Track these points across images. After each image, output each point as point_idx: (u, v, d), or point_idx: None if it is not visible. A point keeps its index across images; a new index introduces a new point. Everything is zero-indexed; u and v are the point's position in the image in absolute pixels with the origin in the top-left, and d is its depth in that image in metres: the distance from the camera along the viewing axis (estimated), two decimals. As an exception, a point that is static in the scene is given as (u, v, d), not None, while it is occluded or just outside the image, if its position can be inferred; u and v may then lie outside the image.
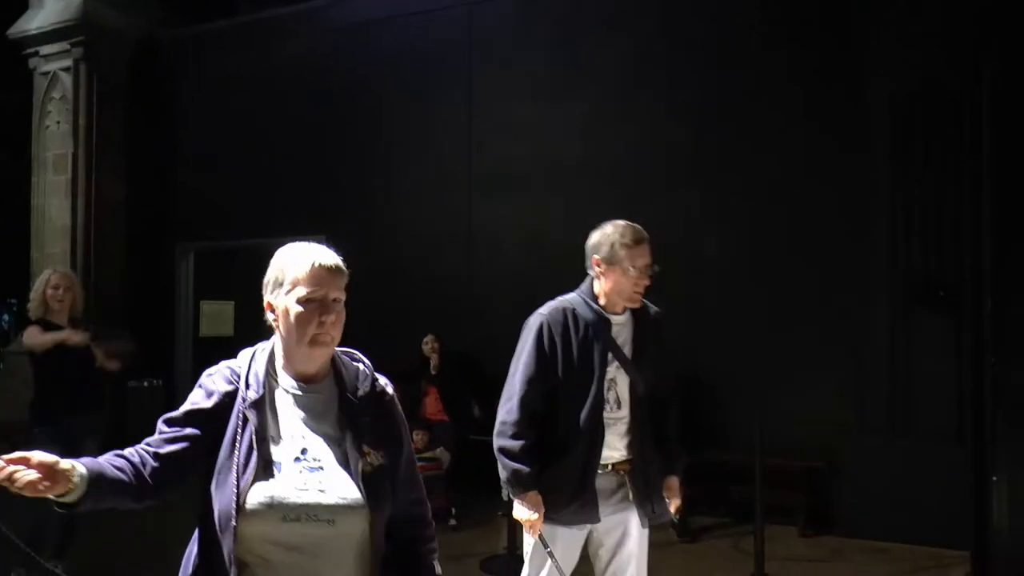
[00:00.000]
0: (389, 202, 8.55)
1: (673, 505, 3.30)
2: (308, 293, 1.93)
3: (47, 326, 5.14)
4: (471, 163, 8.14)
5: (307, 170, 8.93)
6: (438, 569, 2.07)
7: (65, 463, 1.71)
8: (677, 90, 7.31)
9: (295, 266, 1.95)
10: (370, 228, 8.61)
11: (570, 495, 3.10)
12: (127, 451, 1.88)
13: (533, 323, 3.18)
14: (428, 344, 7.70)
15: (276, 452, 1.90)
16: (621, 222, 3.21)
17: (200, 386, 1.98)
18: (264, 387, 1.95)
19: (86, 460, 1.79)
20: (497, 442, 3.13)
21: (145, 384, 7.94)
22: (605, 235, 3.18)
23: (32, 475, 1.66)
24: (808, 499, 6.50)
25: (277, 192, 9.02)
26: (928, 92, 6.29)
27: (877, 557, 5.92)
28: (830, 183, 6.70)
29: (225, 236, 9.16)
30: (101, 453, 1.87)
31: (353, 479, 1.90)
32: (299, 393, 1.98)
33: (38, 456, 1.69)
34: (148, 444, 1.91)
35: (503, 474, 3.13)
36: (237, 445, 1.88)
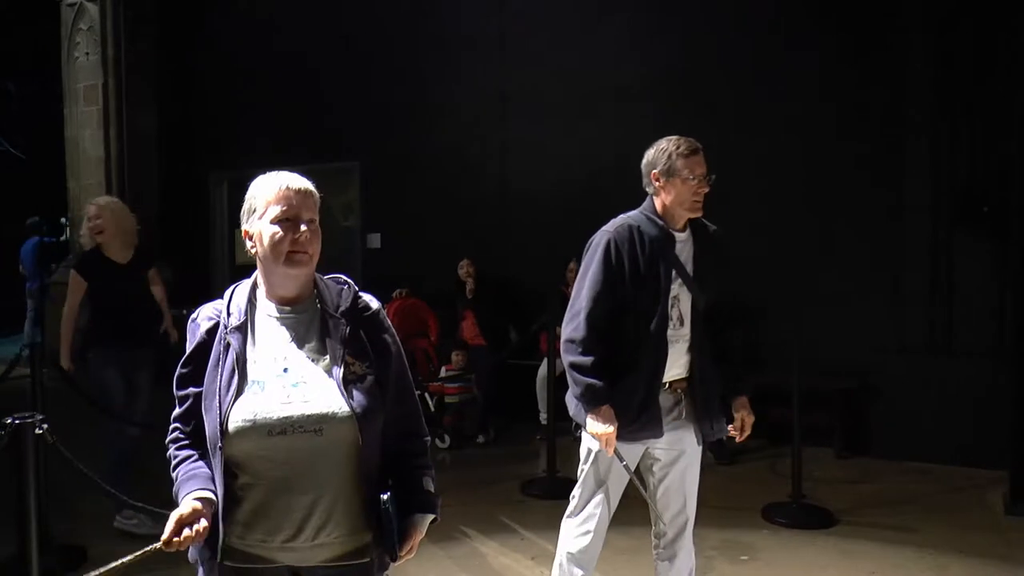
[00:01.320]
0: (423, 128, 8.47)
1: (748, 422, 3.29)
2: (280, 213, 1.97)
3: (98, 256, 5.22)
4: (505, 87, 8.02)
5: (341, 96, 8.86)
6: (428, 485, 2.08)
7: (202, 500, 1.88)
8: (711, 11, 7.11)
9: (266, 191, 2.00)
10: (405, 154, 8.56)
11: (636, 411, 3.12)
12: (181, 445, 2.01)
13: (600, 240, 3.17)
14: (464, 269, 7.71)
15: (258, 371, 1.96)
16: (674, 136, 3.21)
17: (187, 333, 2.06)
18: (245, 314, 2.02)
19: (198, 487, 1.91)
20: (567, 358, 3.14)
21: (184, 312, 8.02)
22: (660, 149, 3.18)
23: (201, 526, 1.85)
24: (844, 421, 6.49)
25: (311, 118, 8.98)
26: (971, 4, 6.07)
27: (914, 478, 5.92)
28: (870, 100, 6.52)
29: (259, 164, 9.09)
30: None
31: (337, 388, 1.95)
32: (281, 315, 2.03)
33: (200, 509, 1.87)
34: (178, 424, 2.03)
35: (576, 390, 3.13)
36: (220, 369, 1.96)
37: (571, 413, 3.26)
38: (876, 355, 6.40)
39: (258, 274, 2.07)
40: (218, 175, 9.96)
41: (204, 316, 2.05)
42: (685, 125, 6.80)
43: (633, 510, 3.36)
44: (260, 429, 1.90)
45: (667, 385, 3.18)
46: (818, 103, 6.67)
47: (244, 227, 2.04)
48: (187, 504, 1.86)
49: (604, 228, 3.21)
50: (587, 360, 3.10)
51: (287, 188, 1.99)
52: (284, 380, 1.95)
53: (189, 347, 2.03)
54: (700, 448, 3.29)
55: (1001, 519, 5.14)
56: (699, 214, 3.22)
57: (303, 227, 1.97)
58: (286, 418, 1.91)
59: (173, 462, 1.99)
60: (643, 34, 7.37)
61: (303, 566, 1.99)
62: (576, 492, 3.31)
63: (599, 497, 3.24)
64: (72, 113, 9.84)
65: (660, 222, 3.18)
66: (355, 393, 1.95)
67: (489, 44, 8.11)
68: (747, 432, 3.31)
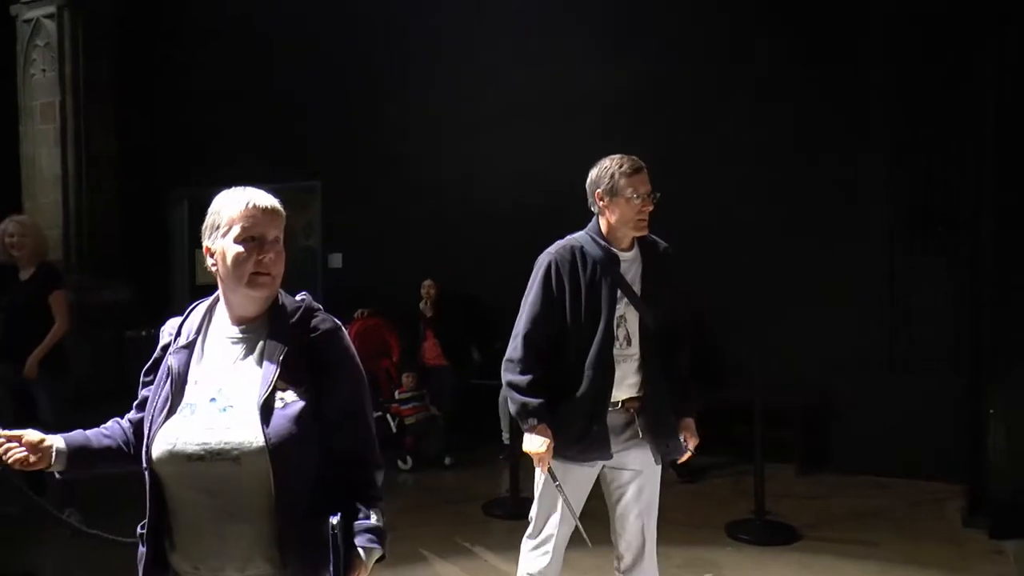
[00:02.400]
0: (386, 147, 8.43)
1: (691, 444, 3.31)
2: (244, 232, 1.92)
3: (9, 271, 5.39)
4: (468, 106, 8.02)
5: (301, 113, 8.81)
6: (375, 518, 1.91)
7: (48, 440, 1.98)
8: (672, 31, 7.19)
9: (231, 207, 1.95)
10: (367, 172, 8.52)
11: (581, 431, 3.12)
12: (123, 417, 2.12)
13: (542, 262, 3.20)
14: (425, 288, 7.68)
15: (193, 394, 1.93)
16: (617, 155, 3.22)
17: (155, 344, 2.09)
18: (197, 333, 2.00)
19: (73, 434, 2.04)
20: (505, 377, 3.21)
21: (143, 334, 7.91)
22: (603, 168, 3.20)
23: (22, 452, 1.95)
24: (806, 437, 6.54)
25: (273, 137, 8.90)
26: (929, 15, 6.20)
27: (874, 492, 5.99)
28: (826, 117, 6.62)
29: (220, 181, 8.99)
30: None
31: (265, 419, 1.85)
32: (234, 336, 1.99)
33: (28, 434, 1.98)
34: (132, 409, 2.11)
35: (512, 408, 3.19)
36: (160, 388, 1.96)
37: (504, 439, 3.32)
38: (836, 371, 6.46)
39: (219, 292, 2.03)
40: (178, 193, 9.84)
41: (166, 330, 2.07)
42: (647, 142, 6.90)
43: (598, 529, 3.35)
44: (179, 455, 1.86)
45: (619, 405, 3.17)
46: (776, 124, 6.76)
47: (206, 243, 1.98)
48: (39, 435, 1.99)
49: (548, 250, 3.23)
50: (523, 379, 3.14)
51: (254, 206, 1.94)
52: (215, 405, 1.90)
53: (150, 360, 2.06)
54: (658, 468, 3.26)
55: (959, 531, 5.21)
56: (644, 233, 3.23)
57: (268, 247, 1.93)
58: (204, 444, 1.85)
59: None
60: (606, 52, 7.43)
61: None
62: (533, 512, 3.30)
63: (555, 517, 3.22)
64: (28, 131, 9.67)
65: (603, 242, 3.19)
66: (276, 421, 1.85)
67: (452, 64, 8.11)
68: (688, 454, 3.31)
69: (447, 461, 6.95)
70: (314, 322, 2.00)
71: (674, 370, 3.30)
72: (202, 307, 2.06)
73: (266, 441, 1.83)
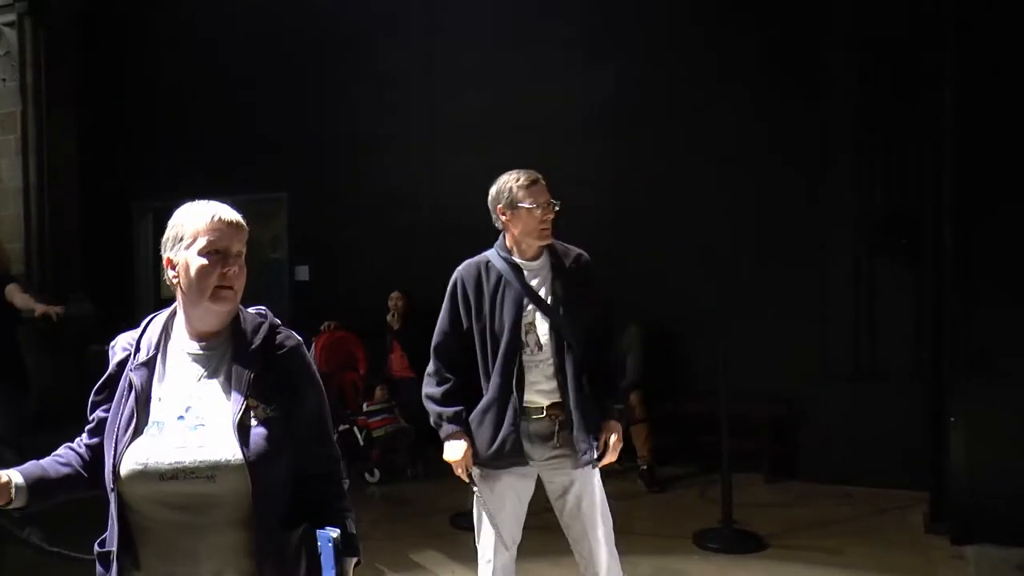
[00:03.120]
0: (353, 158, 8.42)
1: (613, 446, 3.27)
2: (209, 244, 1.92)
3: None
4: (433, 117, 8.03)
5: (267, 126, 8.75)
6: (350, 527, 1.98)
7: (4, 476, 1.92)
8: (640, 40, 7.26)
9: (195, 220, 1.95)
10: (334, 184, 8.49)
11: (492, 437, 3.20)
12: (74, 443, 2.05)
13: (452, 279, 3.37)
14: (393, 300, 7.66)
15: (159, 412, 1.91)
16: (514, 170, 3.35)
17: (106, 358, 2.03)
18: (156, 348, 1.97)
19: (28, 467, 1.98)
20: (423, 390, 3.34)
21: (106, 348, 7.83)
22: (502, 184, 3.34)
23: None
24: (772, 446, 6.61)
25: (237, 148, 8.85)
26: (888, 33, 6.29)
27: (840, 500, 6.04)
28: (790, 128, 6.71)
29: (185, 193, 8.89)
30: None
31: (241, 436, 1.86)
32: (195, 352, 1.97)
33: None
34: (84, 434, 2.05)
35: (430, 419, 3.31)
36: (122, 407, 1.91)
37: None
38: (801, 380, 6.52)
39: (177, 306, 2.01)
40: (142, 205, 9.74)
41: (119, 346, 2.02)
42: (615, 153, 6.98)
43: (563, 540, 3.35)
44: (151, 474, 1.84)
45: (543, 412, 3.22)
46: (738, 136, 6.83)
47: (167, 255, 1.97)
48: None
49: (458, 268, 3.38)
50: (436, 390, 3.29)
51: (219, 219, 1.94)
52: (184, 423, 1.89)
53: (102, 380, 2.01)
54: (594, 474, 3.27)
55: (922, 538, 5.28)
56: (548, 241, 3.32)
57: (232, 261, 1.93)
58: (178, 463, 1.85)
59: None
60: (572, 63, 7.47)
61: None
62: (474, 518, 3.34)
63: (492, 531, 3.25)
64: (-12, 142, 9.54)
65: (506, 255, 3.31)
66: (252, 439, 1.86)
67: (417, 74, 8.12)
68: (612, 457, 3.28)
69: (409, 472, 6.93)
70: (279, 339, 2.02)
71: (596, 373, 3.30)
72: (158, 322, 2.03)
73: (245, 459, 1.84)
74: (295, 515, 1.94)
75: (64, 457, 2.03)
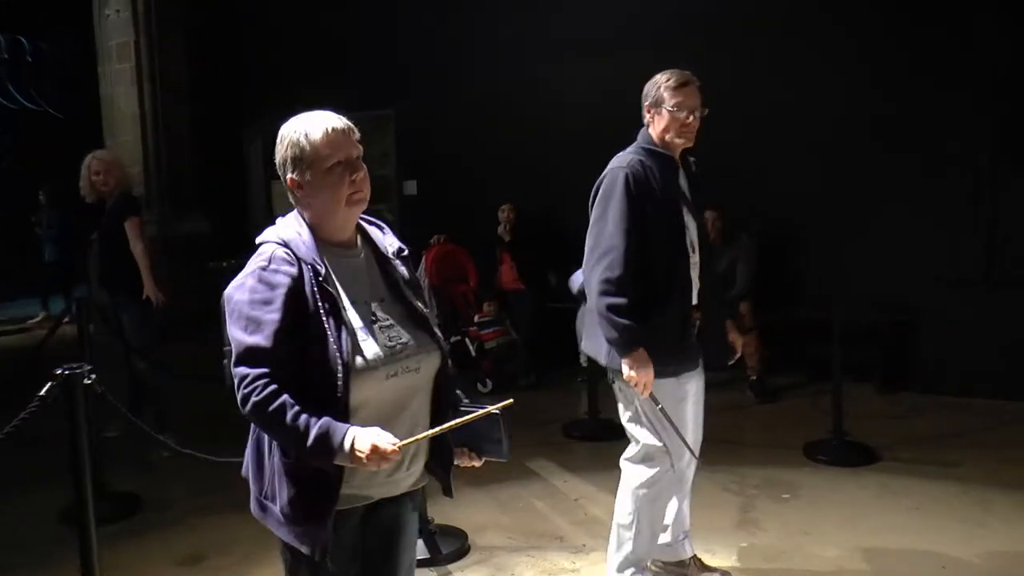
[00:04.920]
0: (458, 72, 8.39)
1: (736, 345, 3.37)
2: (334, 157, 1.97)
3: (99, 207, 5.64)
4: (542, 26, 7.89)
5: (375, 44, 8.79)
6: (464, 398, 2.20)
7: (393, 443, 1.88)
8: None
9: (311, 137, 1.98)
10: (440, 100, 8.51)
11: (674, 345, 3.14)
12: (288, 396, 1.85)
13: (616, 177, 3.11)
14: (504, 213, 7.72)
15: (354, 318, 1.99)
16: (669, 70, 3.21)
17: (262, 281, 1.91)
18: (323, 261, 1.98)
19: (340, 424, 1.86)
20: (605, 300, 3.03)
21: (224, 264, 8.12)
22: (653, 82, 3.22)
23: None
24: (886, 356, 6.44)
25: (346, 67, 8.93)
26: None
27: (957, 413, 5.88)
28: (916, 34, 6.36)
29: (294, 113, 9.05)
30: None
31: (422, 327, 2.07)
32: (340, 259, 2.04)
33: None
34: (272, 374, 1.86)
35: (611, 333, 3.05)
36: (324, 318, 1.91)
37: (603, 361, 3.20)
38: (916, 288, 6.30)
39: (305, 220, 2.02)
40: (254, 127, 9.97)
41: (283, 264, 1.93)
42: (728, 64, 6.75)
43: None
44: (379, 374, 1.96)
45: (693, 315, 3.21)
46: (860, 38, 6.52)
47: (289, 176, 2.00)
48: (371, 440, 1.82)
49: (614, 167, 3.16)
50: (624, 301, 3.02)
51: (333, 130, 1.99)
52: (378, 324, 2.01)
53: (275, 297, 1.90)
54: (703, 374, 3.34)
55: (1046, 453, 5.10)
56: (690, 144, 3.22)
57: (357, 166, 2.00)
58: (397, 360, 1.99)
59: (291, 410, 1.83)
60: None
61: (388, 496, 2.08)
62: (640, 441, 3.26)
63: (676, 440, 3.20)
64: (106, 71, 9.86)
65: (663, 151, 3.18)
66: (433, 329, 2.09)
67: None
68: (737, 354, 3.37)
69: (521, 383, 7.04)
70: (395, 239, 2.17)
71: (716, 274, 3.33)
72: (305, 235, 1.99)
73: (439, 346, 2.08)
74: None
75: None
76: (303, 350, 1.90)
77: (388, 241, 2.15)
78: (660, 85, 3.16)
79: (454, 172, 8.49)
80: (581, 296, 3.30)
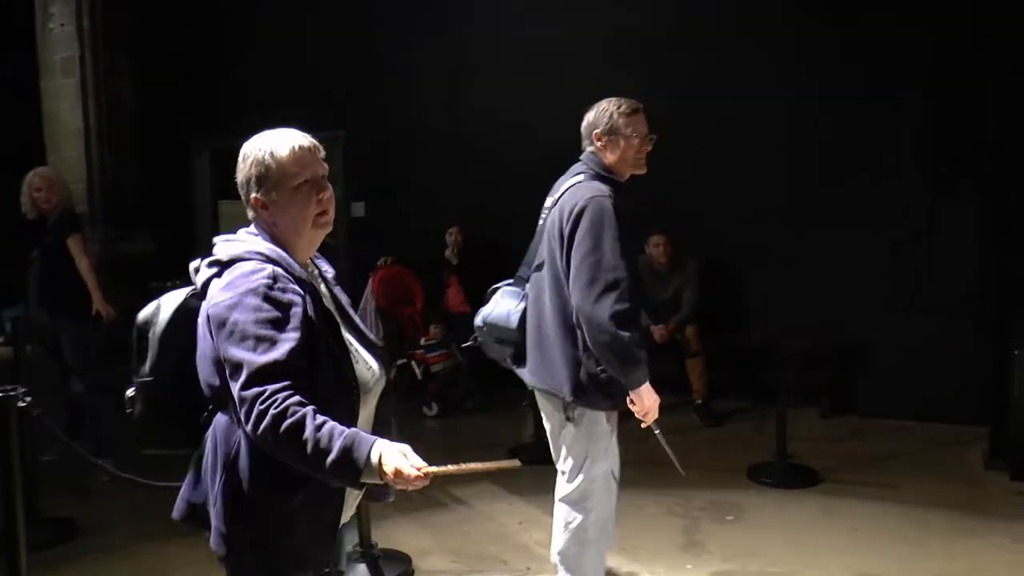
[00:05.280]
0: (408, 95, 8.38)
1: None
2: (301, 176, 1.94)
3: (39, 224, 5.52)
4: (492, 50, 7.92)
5: (324, 65, 8.75)
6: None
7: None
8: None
9: (277, 155, 1.95)
10: (390, 121, 8.48)
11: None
12: (310, 408, 1.78)
13: (603, 206, 3.03)
14: (452, 236, 7.71)
15: (346, 333, 2.01)
16: (614, 97, 3.23)
17: (269, 300, 1.82)
18: (308, 279, 1.99)
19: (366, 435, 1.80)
20: (623, 334, 2.94)
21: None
22: (603, 110, 3.21)
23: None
24: (829, 380, 6.55)
25: (294, 87, 8.86)
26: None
27: (897, 435, 5.99)
28: (861, 59, 6.50)
29: (242, 132, 8.97)
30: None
31: (372, 350, 2.06)
32: (310, 280, 2.03)
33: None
34: (294, 388, 1.78)
35: (629, 368, 3.00)
36: (328, 335, 1.92)
37: (567, 397, 3.11)
38: (860, 316, 6.41)
39: (261, 240, 1.96)
40: (200, 144, 9.86)
41: (288, 283, 1.88)
42: (665, 83, 6.83)
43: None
44: (369, 397, 2.01)
45: None
46: (805, 65, 6.65)
47: (254, 195, 1.95)
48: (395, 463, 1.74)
49: (593, 196, 3.06)
50: (635, 335, 2.99)
51: (300, 148, 1.97)
52: (353, 347, 2.01)
53: (291, 316, 1.83)
54: None
55: (981, 474, 5.22)
56: (643, 171, 3.24)
57: (323, 186, 1.98)
58: (375, 378, 2.02)
59: (316, 420, 1.74)
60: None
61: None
62: (571, 458, 3.26)
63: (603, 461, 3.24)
64: (49, 86, 9.69)
65: (617, 179, 3.19)
66: (382, 352, 2.10)
67: (471, 13, 8.02)
68: None
69: (467, 405, 7.03)
70: (328, 265, 2.18)
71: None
72: (284, 255, 1.94)
73: (387, 370, 2.11)
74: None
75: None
76: (311, 374, 1.83)
77: (324, 267, 2.14)
78: (612, 112, 3.17)
79: (402, 194, 8.47)
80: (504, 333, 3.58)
